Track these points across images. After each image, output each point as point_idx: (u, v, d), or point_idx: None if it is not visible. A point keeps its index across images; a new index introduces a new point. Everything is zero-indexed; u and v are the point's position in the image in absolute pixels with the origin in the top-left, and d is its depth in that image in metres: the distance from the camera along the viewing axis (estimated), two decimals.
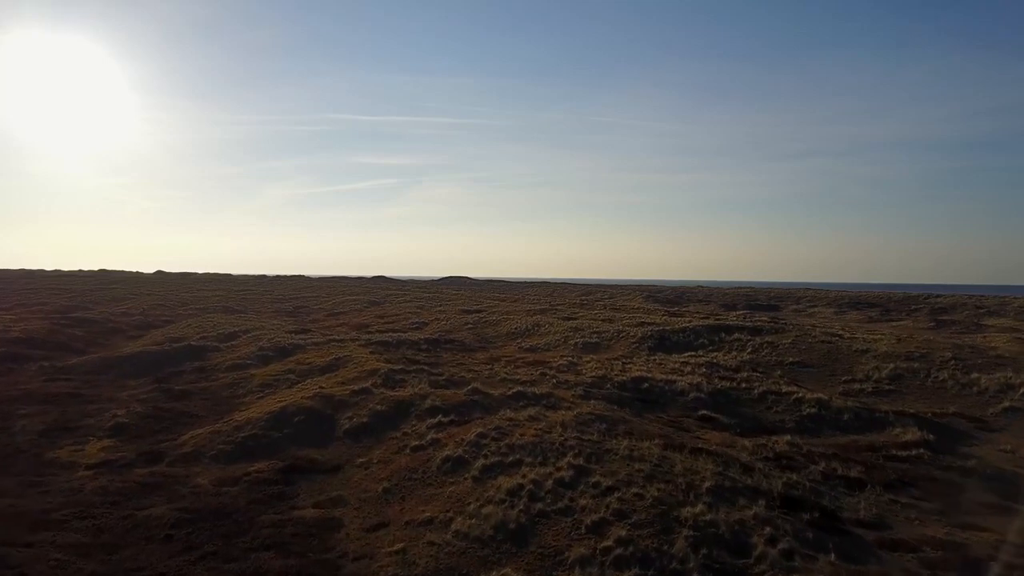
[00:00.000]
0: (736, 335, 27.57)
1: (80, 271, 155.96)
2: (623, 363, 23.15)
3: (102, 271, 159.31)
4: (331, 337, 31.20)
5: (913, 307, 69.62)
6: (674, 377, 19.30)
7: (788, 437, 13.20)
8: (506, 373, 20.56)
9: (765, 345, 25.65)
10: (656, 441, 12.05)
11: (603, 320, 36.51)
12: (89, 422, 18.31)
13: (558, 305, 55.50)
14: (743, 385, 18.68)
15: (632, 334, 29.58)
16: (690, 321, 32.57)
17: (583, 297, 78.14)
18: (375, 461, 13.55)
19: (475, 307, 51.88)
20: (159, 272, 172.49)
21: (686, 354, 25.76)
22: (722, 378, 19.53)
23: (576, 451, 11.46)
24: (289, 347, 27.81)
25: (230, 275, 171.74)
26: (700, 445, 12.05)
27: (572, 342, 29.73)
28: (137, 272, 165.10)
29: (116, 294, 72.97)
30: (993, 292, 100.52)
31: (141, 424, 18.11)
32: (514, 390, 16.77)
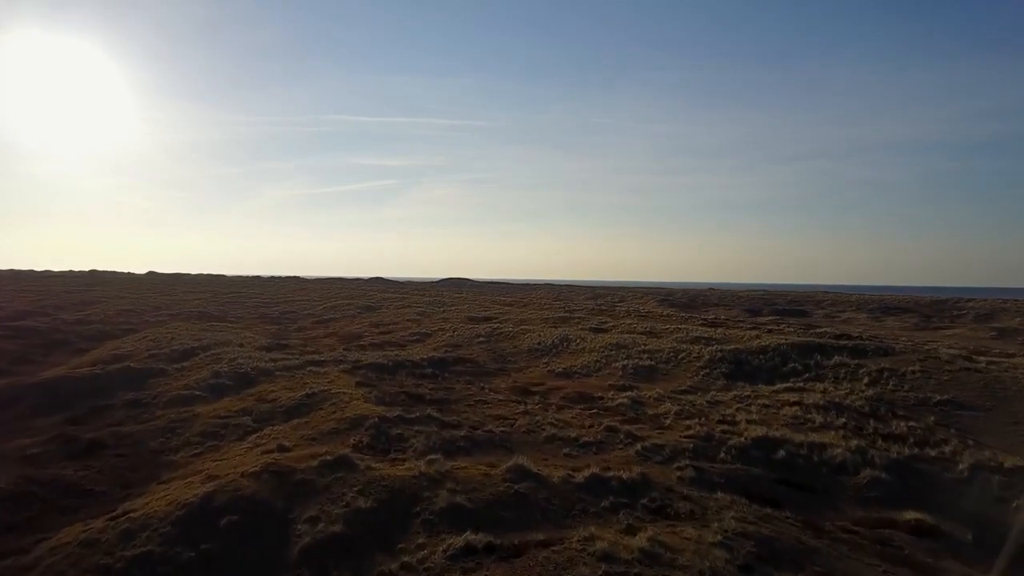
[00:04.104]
0: (836, 358, 21.01)
1: (70, 271, 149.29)
2: (709, 402, 16.63)
3: (92, 271, 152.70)
4: (310, 356, 24.68)
5: (956, 313, 63.65)
6: (817, 438, 12.73)
7: None
8: (553, 424, 14.03)
9: (886, 374, 19.07)
10: None
11: (645, 333, 29.99)
12: None
13: (576, 312, 48.99)
14: (928, 452, 12.15)
15: (695, 354, 23.06)
16: (759, 337, 26.06)
17: (594, 301, 71.64)
18: None
19: (483, 313, 45.42)
20: (151, 273, 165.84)
21: (778, 385, 19.25)
22: (883, 436, 13.02)
23: None
24: (253, 373, 21.31)
25: (223, 276, 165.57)
26: None
27: (617, 364, 23.23)
28: (128, 273, 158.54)
29: (89, 297, 66.58)
30: (994, 294, 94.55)
31: None
32: (584, 472, 10.18)
